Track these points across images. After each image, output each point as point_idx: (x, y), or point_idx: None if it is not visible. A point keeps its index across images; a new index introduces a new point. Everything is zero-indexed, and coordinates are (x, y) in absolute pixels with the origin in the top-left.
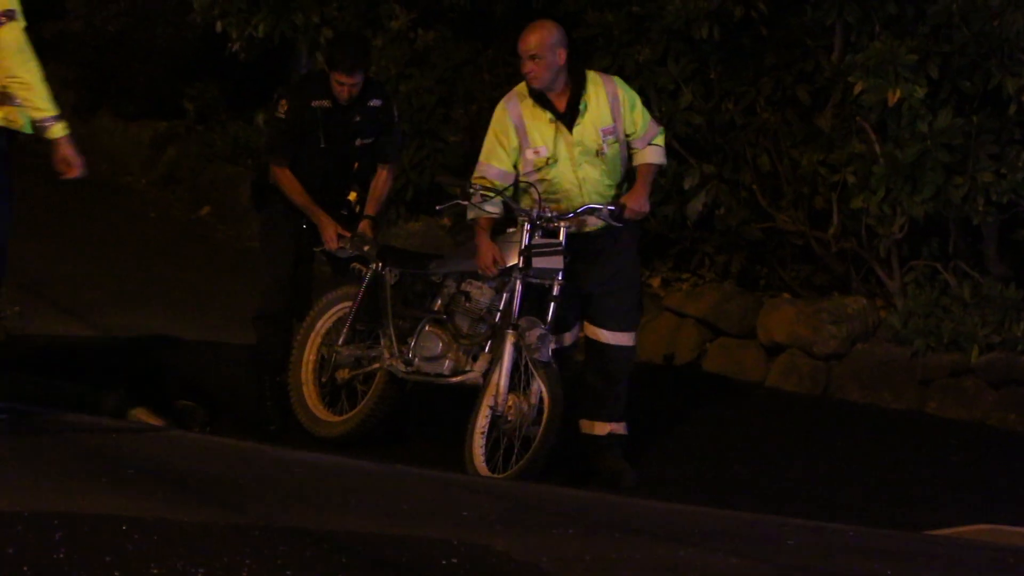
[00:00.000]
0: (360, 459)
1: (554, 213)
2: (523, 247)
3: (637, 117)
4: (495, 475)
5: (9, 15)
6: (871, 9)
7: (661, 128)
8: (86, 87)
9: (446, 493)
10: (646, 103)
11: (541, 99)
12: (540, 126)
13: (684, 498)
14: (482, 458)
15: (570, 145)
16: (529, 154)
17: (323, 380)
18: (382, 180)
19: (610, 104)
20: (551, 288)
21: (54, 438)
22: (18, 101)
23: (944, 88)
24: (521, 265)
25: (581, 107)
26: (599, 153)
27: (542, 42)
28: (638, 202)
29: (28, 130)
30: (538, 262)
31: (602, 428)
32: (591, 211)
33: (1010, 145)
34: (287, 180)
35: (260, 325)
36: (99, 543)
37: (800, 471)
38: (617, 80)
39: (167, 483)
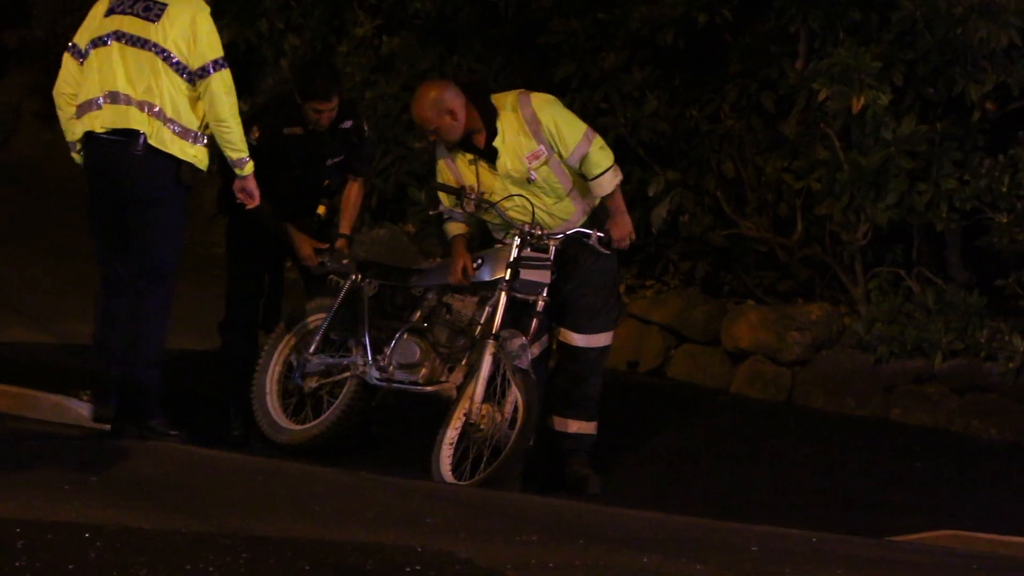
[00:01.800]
0: (324, 466)
1: (545, 231)
2: (512, 259)
3: (566, 142)
4: (461, 482)
5: (221, 64)
6: (835, 16)
7: (594, 141)
8: (50, 94)
9: (410, 500)
10: (611, 110)
11: (463, 142)
12: (465, 167)
13: (648, 504)
14: (449, 468)
15: (498, 179)
16: (467, 190)
17: (289, 388)
18: (354, 194)
19: (530, 128)
20: (534, 304)
21: (16, 445)
22: (204, 141)
23: (908, 95)
24: (508, 277)
25: (497, 143)
26: (529, 181)
27: (429, 117)
28: (621, 232)
29: (205, 169)
30: (525, 275)
31: (567, 425)
32: (580, 235)
33: (973, 152)
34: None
35: (226, 333)
36: (61, 551)
37: (764, 477)
38: (537, 99)
39: (130, 490)
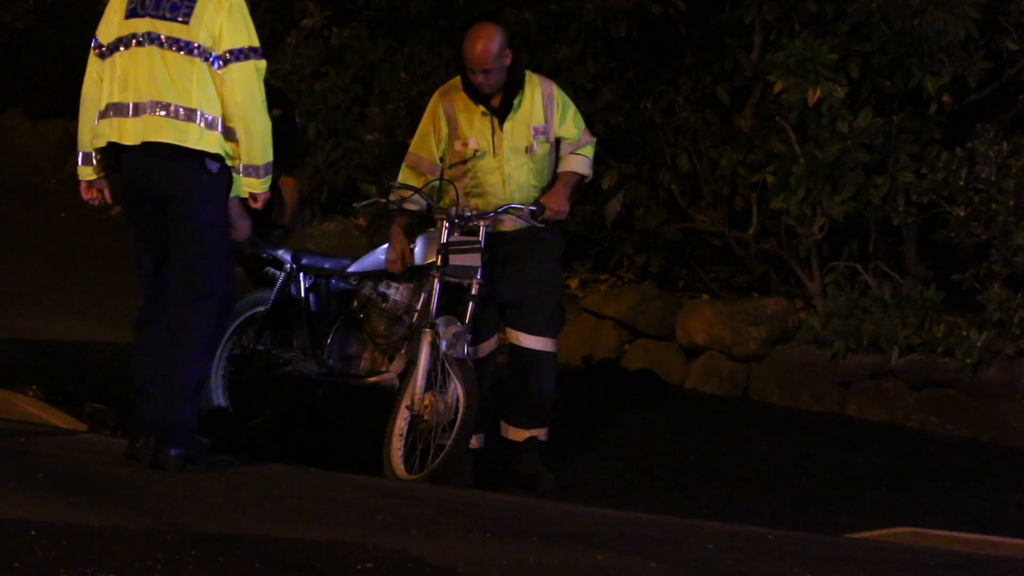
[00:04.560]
0: (274, 462)
1: (474, 212)
2: (441, 244)
3: (570, 123)
4: (411, 475)
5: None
6: (791, 7)
7: (593, 140)
8: None
9: (361, 496)
10: None
11: (475, 93)
12: (472, 119)
13: (602, 502)
14: (400, 461)
15: (500, 140)
16: (457, 145)
17: (233, 382)
18: (289, 188)
19: (544, 104)
20: (470, 287)
21: None
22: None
23: (864, 87)
24: (439, 263)
25: (515, 103)
26: (528, 150)
27: (491, 55)
28: (558, 202)
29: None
30: (455, 259)
31: (521, 434)
32: (511, 211)
33: (930, 145)
34: None
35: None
36: (7, 548)
37: (720, 474)
38: (555, 85)
39: (78, 487)
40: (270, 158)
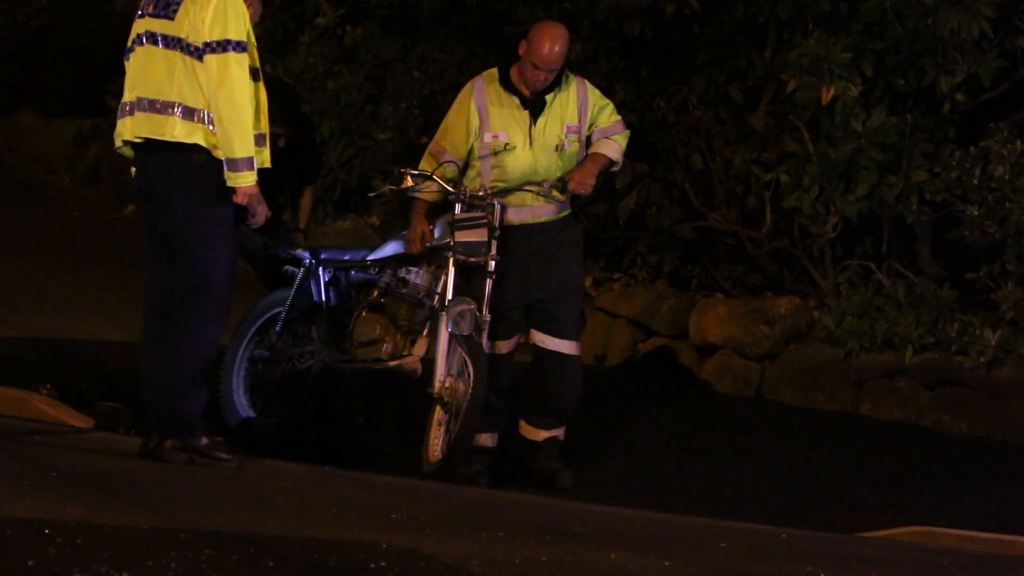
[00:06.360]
0: (288, 460)
1: (490, 191)
2: (450, 222)
3: (606, 115)
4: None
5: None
6: (804, 6)
7: (627, 132)
8: (8, 84)
9: (375, 495)
10: None
11: (510, 86)
12: (505, 111)
13: (616, 500)
14: (437, 450)
15: (532, 135)
16: (487, 137)
17: (255, 382)
18: (303, 199)
19: (579, 104)
20: (485, 265)
21: None
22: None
23: (878, 86)
24: (452, 242)
25: (549, 99)
26: (559, 148)
27: (562, 56)
28: (581, 174)
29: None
30: (461, 236)
31: (540, 434)
32: (532, 185)
33: (944, 144)
34: None
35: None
36: (21, 547)
37: (732, 473)
38: (589, 84)
39: (91, 486)
40: (250, 153)
